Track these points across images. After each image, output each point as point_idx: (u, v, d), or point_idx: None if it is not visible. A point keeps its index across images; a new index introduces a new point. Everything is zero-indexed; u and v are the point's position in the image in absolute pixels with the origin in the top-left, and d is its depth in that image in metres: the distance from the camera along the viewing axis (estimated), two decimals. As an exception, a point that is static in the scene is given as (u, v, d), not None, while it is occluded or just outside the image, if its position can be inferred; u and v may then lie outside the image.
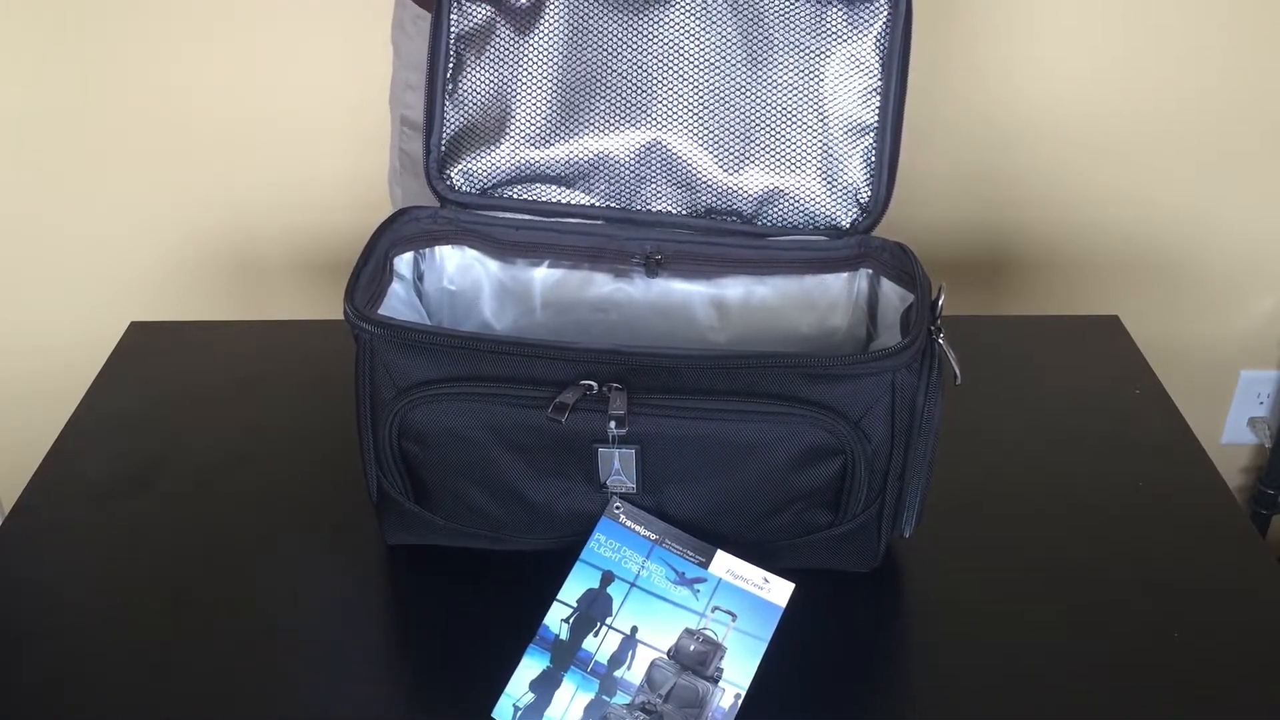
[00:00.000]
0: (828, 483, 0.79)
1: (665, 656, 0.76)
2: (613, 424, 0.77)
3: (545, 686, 0.75)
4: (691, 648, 0.77)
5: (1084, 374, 1.11)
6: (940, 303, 0.80)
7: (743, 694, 0.75)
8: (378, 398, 0.80)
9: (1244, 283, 1.53)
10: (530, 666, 0.76)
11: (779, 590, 0.79)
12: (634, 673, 0.76)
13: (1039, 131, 1.40)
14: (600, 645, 0.77)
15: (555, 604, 0.78)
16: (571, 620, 0.77)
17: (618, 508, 0.81)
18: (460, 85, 0.90)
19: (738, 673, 0.76)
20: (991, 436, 1.02)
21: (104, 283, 1.46)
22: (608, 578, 0.79)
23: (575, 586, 0.79)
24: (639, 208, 0.92)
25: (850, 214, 0.91)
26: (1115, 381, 1.09)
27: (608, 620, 0.78)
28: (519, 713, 0.74)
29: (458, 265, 0.94)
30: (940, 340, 0.79)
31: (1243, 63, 1.37)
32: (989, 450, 1.00)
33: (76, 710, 0.78)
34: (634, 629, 0.77)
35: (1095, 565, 0.89)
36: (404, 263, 0.91)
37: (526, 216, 0.93)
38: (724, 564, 0.80)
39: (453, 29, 0.89)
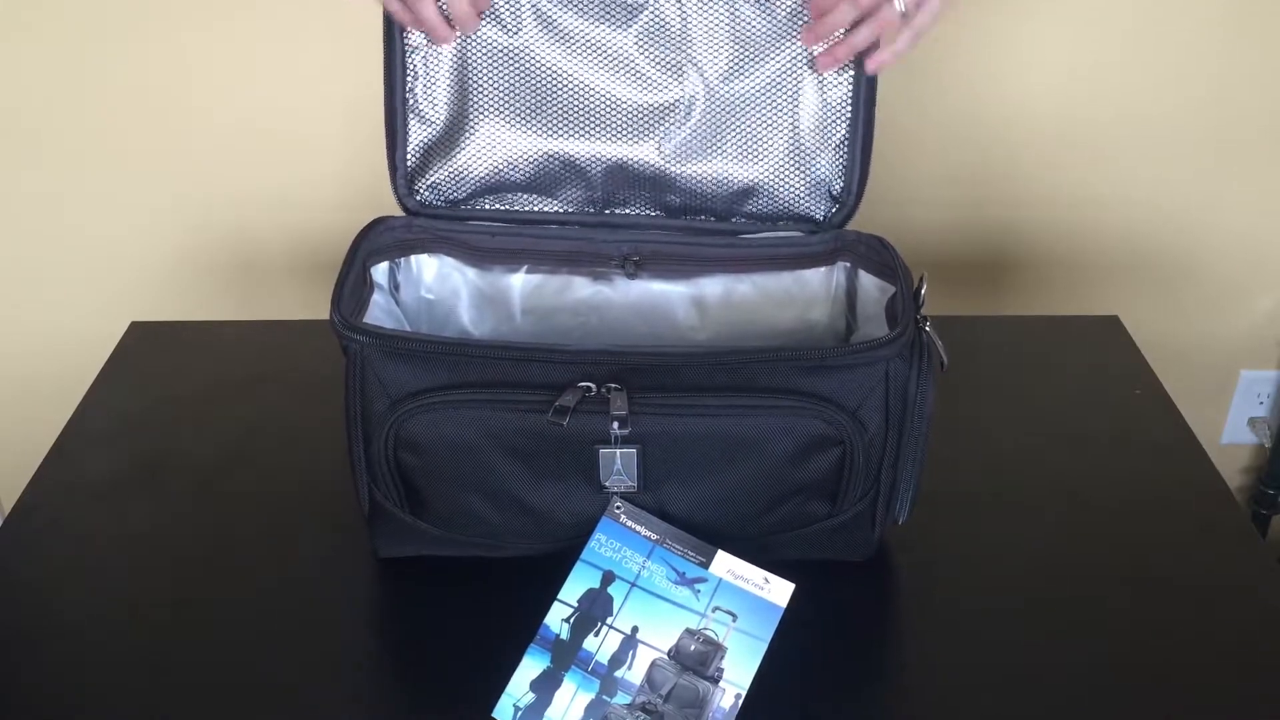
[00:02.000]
0: (827, 473, 0.80)
1: (666, 656, 0.76)
2: (615, 424, 0.76)
3: (546, 686, 0.75)
4: (692, 648, 0.77)
5: (1084, 374, 1.11)
6: (923, 291, 0.81)
7: (743, 694, 0.75)
8: (369, 410, 0.79)
9: (1244, 283, 1.53)
10: (531, 666, 0.76)
11: (779, 590, 0.79)
12: (634, 673, 0.76)
13: (1038, 131, 1.40)
14: (601, 645, 0.77)
15: (556, 604, 0.78)
16: (572, 620, 0.77)
17: (618, 507, 0.81)
18: (421, 99, 0.89)
19: (738, 673, 0.76)
20: (992, 436, 1.02)
21: (104, 283, 1.45)
22: (608, 578, 0.79)
23: (576, 586, 0.79)
24: (612, 212, 0.92)
25: (823, 207, 0.91)
26: (1115, 381, 1.10)
27: (608, 620, 0.78)
28: (519, 712, 0.74)
29: (435, 274, 0.93)
30: (927, 328, 0.79)
31: (1243, 61, 1.37)
32: (989, 450, 1.00)
33: (76, 710, 0.78)
34: (635, 629, 0.77)
35: (1095, 564, 0.89)
36: (380, 272, 0.90)
37: (501, 224, 0.92)
38: (724, 564, 0.80)
39: (409, 41, 0.88)
